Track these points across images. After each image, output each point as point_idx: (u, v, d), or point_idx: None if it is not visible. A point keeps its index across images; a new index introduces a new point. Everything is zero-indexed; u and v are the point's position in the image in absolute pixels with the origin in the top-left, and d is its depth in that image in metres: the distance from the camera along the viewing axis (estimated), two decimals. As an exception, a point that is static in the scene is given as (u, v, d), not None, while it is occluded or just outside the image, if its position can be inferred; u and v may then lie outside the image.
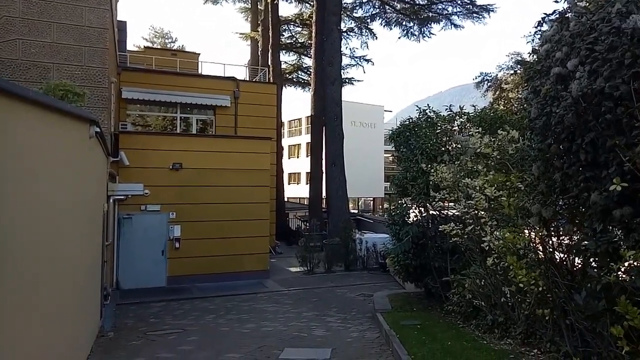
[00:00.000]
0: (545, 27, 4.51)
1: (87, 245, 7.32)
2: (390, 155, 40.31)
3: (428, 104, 11.37)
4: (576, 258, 4.85)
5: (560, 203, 4.79)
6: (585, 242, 4.28)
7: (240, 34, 35.63)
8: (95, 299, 8.71)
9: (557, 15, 4.04)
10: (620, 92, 3.09)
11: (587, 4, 3.98)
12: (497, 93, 25.46)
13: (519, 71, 22.98)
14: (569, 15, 3.85)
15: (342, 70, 27.62)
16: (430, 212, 10.51)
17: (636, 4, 3.19)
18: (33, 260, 3.78)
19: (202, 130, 19.84)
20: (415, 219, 11.33)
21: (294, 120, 49.58)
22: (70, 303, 5.66)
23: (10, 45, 10.87)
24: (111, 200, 12.33)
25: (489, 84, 26.37)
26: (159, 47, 43.77)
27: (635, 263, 3.45)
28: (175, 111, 19.16)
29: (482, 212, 6.34)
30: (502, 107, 21.10)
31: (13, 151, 3.18)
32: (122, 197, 13.08)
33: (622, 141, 3.17)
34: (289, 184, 45.53)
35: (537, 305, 5.23)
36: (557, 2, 4.07)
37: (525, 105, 4.38)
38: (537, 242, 5.14)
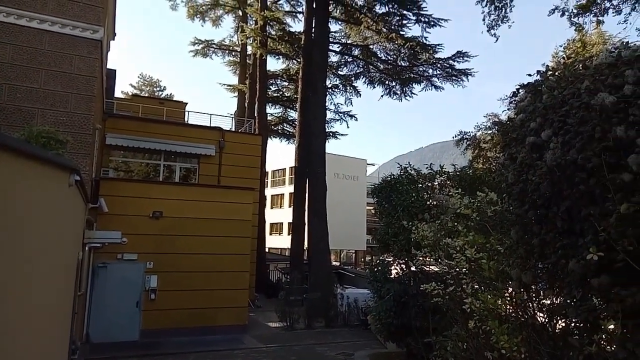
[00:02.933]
0: (519, 96, 4.73)
1: (58, 296, 7.01)
2: (372, 208, 40.52)
3: (409, 162, 11.63)
4: (557, 323, 4.82)
5: (540, 266, 4.82)
6: (566, 308, 4.27)
7: (228, 85, 36.55)
8: (62, 354, 8.24)
9: (531, 88, 4.26)
10: (592, 164, 3.21)
11: (559, 77, 4.22)
12: (476, 152, 26.20)
13: (496, 132, 23.80)
14: (541, 88, 4.06)
15: (327, 125, 28.27)
16: (412, 268, 10.45)
17: (603, 82, 3.40)
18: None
19: (185, 178, 19.78)
20: (396, 275, 11.23)
21: (278, 170, 49.85)
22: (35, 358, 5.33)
23: (-4, 90, 10.89)
24: (87, 248, 11.99)
25: (468, 142, 27.18)
26: (147, 95, 44.35)
27: (616, 332, 3.44)
28: (159, 159, 19.13)
29: (463, 273, 6.33)
30: (481, 165, 21.67)
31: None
32: (99, 244, 12.75)
33: (596, 211, 3.26)
34: (270, 234, 45.06)
35: (519, 372, 5.12)
36: (530, 75, 4.30)
37: (502, 170, 4.50)
38: (517, 305, 5.12)
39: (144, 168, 20.11)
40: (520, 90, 4.53)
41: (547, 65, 4.18)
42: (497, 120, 25.18)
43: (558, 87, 3.84)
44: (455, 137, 27.94)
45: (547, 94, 3.89)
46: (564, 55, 20.37)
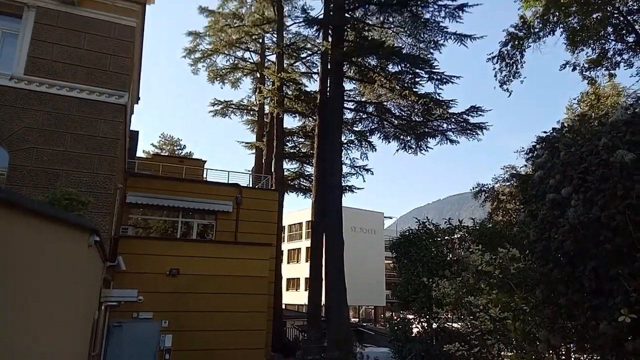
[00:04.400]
0: (536, 152, 4.73)
1: (74, 357, 6.90)
2: (391, 262, 39.75)
3: (427, 215, 11.51)
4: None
5: (568, 325, 4.60)
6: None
7: (246, 143, 37.36)
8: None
9: (548, 144, 4.26)
10: (617, 222, 3.14)
11: (575, 132, 4.22)
12: (495, 204, 25.87)
13: (514, 184, 23.60)
14: (558, 145, 4.07)
15: (343, 179, 28.40)
16: (434, 326, 10.07)
17: (621, 139, 3.39)
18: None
19: (202, 234, 19.84)
20: (418, 334, 10.82)
21: (295, 224, 49.76)
22: None
23: (24, 153, 11.32)
24: (103, 307, 11.90)
25: (486, 194, 26.92)
26: (167, 153, 45.66)
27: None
28: (178, 215, 19.34)
29: (487, 332, 6.07)
30: (500, 217, 21.33)
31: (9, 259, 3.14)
32: (115, 303, 12.66)
33: (625, 271, 3.15)
34: (287, 289, 44.27)
35: None
36: (545, 132, 4.33)
37: (524, 227, 4.42)
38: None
39: (162, 224, 20.30)
40: (537, 146, 4.54)
41: (562, 123, 4.20)
42: (514, 172, 25.04)
43: (575, 144, 3.84)
44: (473, 189, 27.75)
45: (565, 150, 3.89)
46: (579, 109, 20.51)
